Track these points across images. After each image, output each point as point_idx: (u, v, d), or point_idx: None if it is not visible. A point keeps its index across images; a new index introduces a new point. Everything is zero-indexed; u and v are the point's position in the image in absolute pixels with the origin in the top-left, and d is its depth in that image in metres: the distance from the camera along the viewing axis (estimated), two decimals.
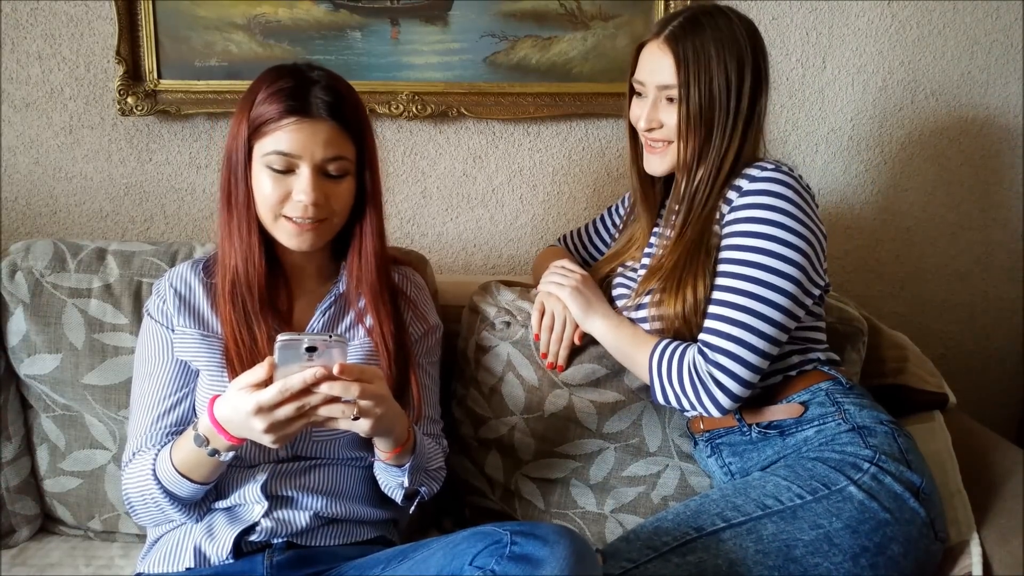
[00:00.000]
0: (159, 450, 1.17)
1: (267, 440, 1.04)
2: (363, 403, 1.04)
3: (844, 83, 1.86)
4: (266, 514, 1.19)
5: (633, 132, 1.37)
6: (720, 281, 1.24)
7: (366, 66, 1.74)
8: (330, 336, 1.02)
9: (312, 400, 1.02)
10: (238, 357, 1.18)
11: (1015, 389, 2.03)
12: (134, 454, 1.20)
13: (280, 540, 1.20)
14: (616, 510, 1.49)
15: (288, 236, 1.19)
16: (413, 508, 1.28)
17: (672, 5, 1.74)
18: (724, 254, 1.25)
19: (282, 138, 1.15)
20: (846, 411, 1.26)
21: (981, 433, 1.53)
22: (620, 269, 1.44)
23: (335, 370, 1.02)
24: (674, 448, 1.48)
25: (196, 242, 1.75)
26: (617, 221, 1.57)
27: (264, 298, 1.21)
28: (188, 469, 1.13)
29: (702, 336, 1.24)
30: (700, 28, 1.26)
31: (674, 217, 1.33)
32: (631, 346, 1.32)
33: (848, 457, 1.20)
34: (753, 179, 1.25)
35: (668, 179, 1.40)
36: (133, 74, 1.72)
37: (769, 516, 1.16)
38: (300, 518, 1.21)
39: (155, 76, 1.73)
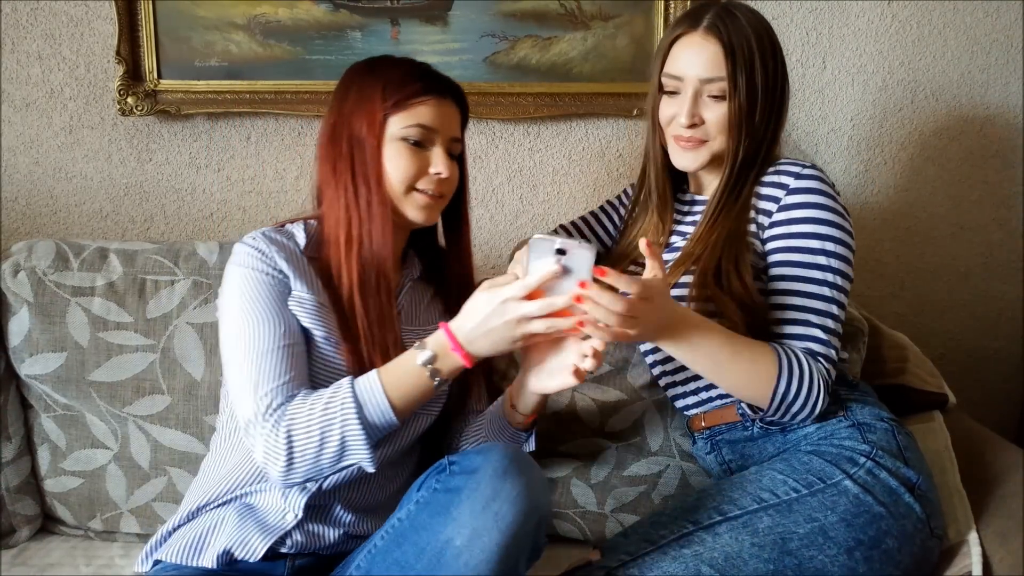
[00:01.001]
0: (352, 378, 1.12)
1: (518, 334, 1.07)
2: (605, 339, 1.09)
3: (844, 83, 1.86)
4: (298, 525, 1.18)
5: (654, 126, 1.35)
6: (801, 287, 1.22)
7: None
8: (579, 242, 1.06)
9: (561, 324, 1.06)
10: (361, 329, 1.18)
11: (1015, 389, 2.03)
12: (290, 396, 1.11)
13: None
14: (616, 510, 1.49)
15: (417, 208, 1.22)
16: None
17: (672, 5, 1.74)
18: (792, 256, 1.23)
19: (424, 112, 1.20)
20: (848, 408, 1.26)
21: (981, 433, 1.53)
22: (633, 268, 1.43)
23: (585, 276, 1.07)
24: (675, 448, 1.48)
25: (197, 240, 1.75)
26: (619, 218, 1.54)
27: (390, 271, 1.21)
28: (399, 394, 1.10)
29: (807, 344, 1.21)
30: (736, 18, 1.26)
31: (712, 207, 1.30)
32: (738, 353, 1.19)
33: (845, 451, 1.20)
34: (799, 176, 1.26)
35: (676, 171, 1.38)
36: (133, 74, 1.72)
37: (765, 509, 1.16)
38: (330, 534, 1.20)
39: (155, 76, 1.73)
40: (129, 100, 1.72)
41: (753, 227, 1.28)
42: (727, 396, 1.32)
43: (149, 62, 1.72)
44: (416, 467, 1.32)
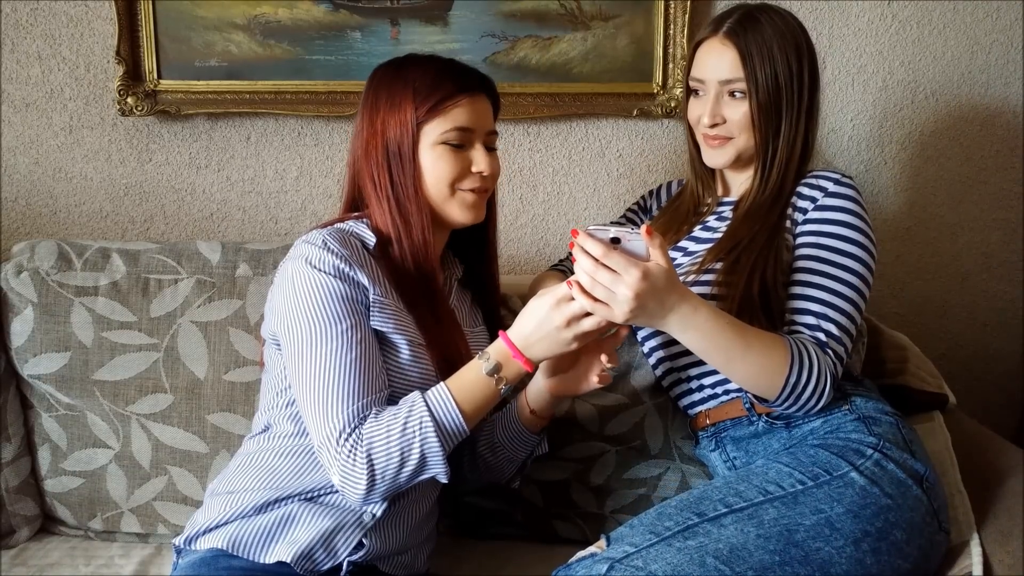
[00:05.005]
0: (419, 392, 1.11)
1: (570, 335, 1.08)
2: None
3: (844, 83, 1.86)
4: (374, 527, 1.18)
5: (687, 126, 1.41)
6: (824, 281, 1.25)
7: (366, 66, 1.73)
8: (632, 230, 1.06)
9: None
10: (436, 335, 1.18)
11: (1015, 389, 2.03)
12: (363, 419, 1.09)
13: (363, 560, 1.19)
14: (616, 511, 1.49)
15: (464, 208, 1.21)
16: (519, 483, 1.33)
17: (672, 5, 1.74)
18: (820, 252, 1.27)
19: (459, 114, 1.18)
20: (853, 402, 1.27)
21: (981, 433, 1.53)
22: None
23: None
24: (676, 450, 1.48)
25: (200, 239, 1.75)
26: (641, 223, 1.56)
27: (435, 272, 1.22)
28: (470, 405, 1.10)
29: (818, 334, 1.23)
30: (757, 22, 1.31)
31: (750, 201, 1.35)
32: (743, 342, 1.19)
33: (852, 444, 1.21)
34: (839, 183, 1.31)
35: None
36: (133, 74, 1.72)
37: (771, 501, 1.16)
38: (395, 538, 1.21)
39: (155, 76, 1.73)
40: (129, 100, 1.72)
41: (788, 223, 1.32)
42: (733, 392, 1.33)
43: (149, 62, 1.72)
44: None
